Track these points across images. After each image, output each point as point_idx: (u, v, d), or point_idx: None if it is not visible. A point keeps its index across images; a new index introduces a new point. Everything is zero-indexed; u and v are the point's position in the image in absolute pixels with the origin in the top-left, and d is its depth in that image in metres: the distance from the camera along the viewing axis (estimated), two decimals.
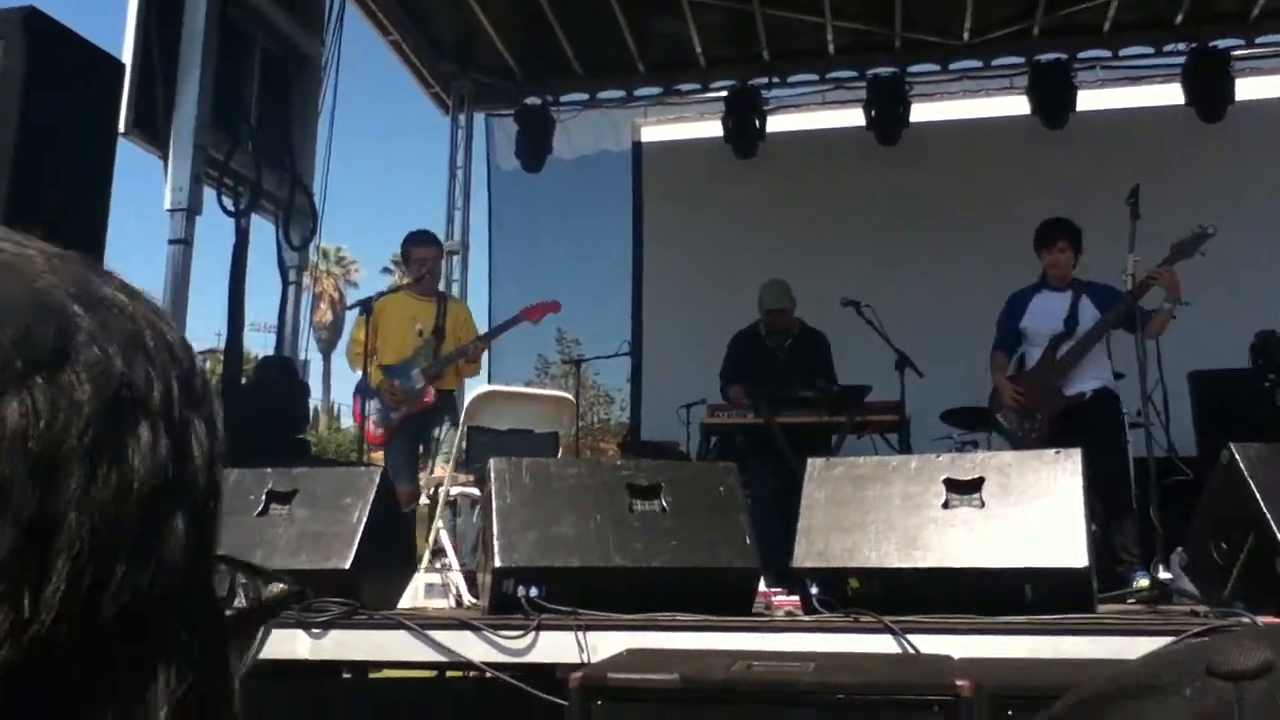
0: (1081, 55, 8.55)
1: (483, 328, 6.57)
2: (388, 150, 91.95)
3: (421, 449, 5.96)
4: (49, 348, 0.42)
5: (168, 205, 5.56)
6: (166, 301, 5.47)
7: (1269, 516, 2.78)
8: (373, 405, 5.86)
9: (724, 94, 8.93)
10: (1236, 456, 2.97)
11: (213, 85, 5.79)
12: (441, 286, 6.74)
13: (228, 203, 6.20)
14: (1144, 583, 3.51)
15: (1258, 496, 2.83)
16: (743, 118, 8.85)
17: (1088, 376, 4.99)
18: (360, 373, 5.88)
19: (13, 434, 0.40)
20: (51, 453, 0.41)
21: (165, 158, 5.61)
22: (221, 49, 5.90)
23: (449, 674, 3.53)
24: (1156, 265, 4.91)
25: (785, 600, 3.48)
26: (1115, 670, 0.52)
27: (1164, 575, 3.58)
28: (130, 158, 5.49)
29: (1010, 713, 2.29)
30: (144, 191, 6.63)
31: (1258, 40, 8.40)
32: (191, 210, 5.58)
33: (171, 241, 5.54)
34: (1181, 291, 4.90)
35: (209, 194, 5.94)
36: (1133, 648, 2.58)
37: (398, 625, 3.03)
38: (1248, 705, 0.46)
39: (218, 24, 5.84)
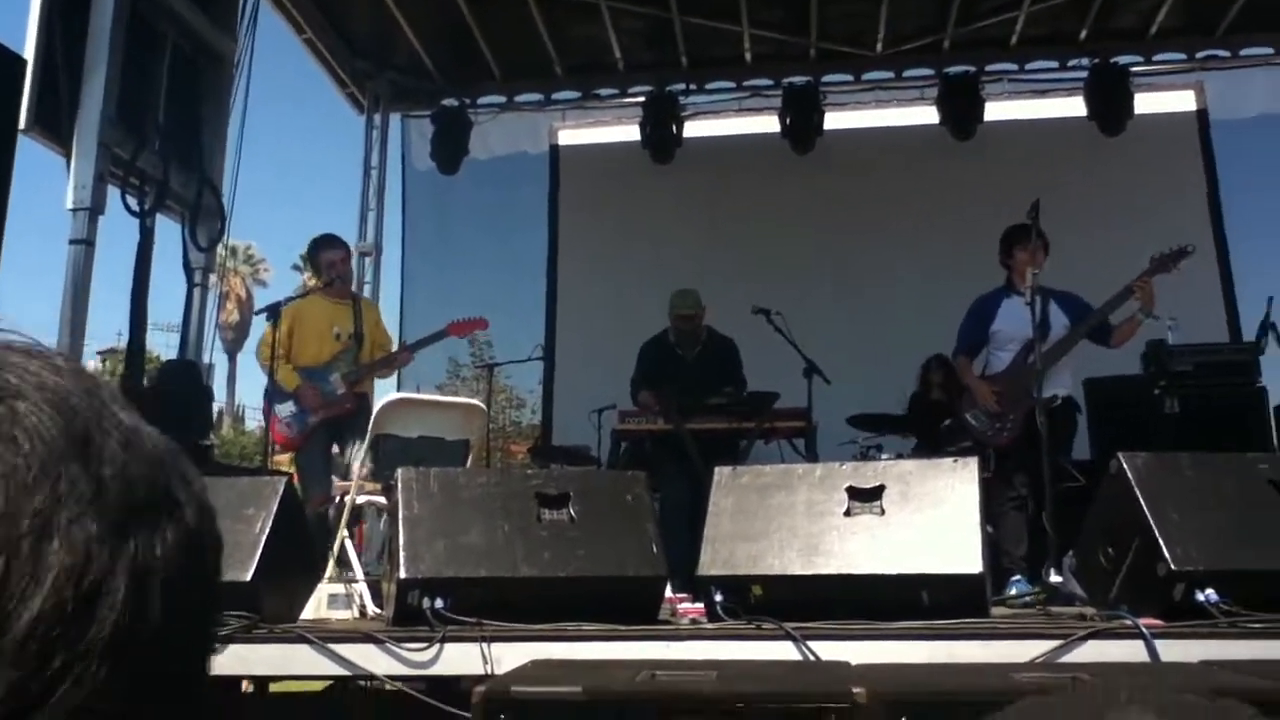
0: (989, 68, 8.76)
1: (394, 328, 6.53)
2: (300, 148, 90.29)
3: (337, 451, 5.90)
4: (162, 493, 0.51)
5: (69, 204, 5.42)
6: (66, 302, 5.33)
7: (1153, 523, 2.89)
8: (284, 409, 5.79)
9: (641, 99, 8.96)
10: (1124, 465, 3.08)
11: (119, 82, 5.64)
12: (353, 288, 6.67)
13: (132, 202, 6.05)
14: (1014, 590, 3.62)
15: (1143, 504, 2.94)
16: (660, 123, 8.88)
17: (1057, 382, 5.15)
18: (268, 376, 5.81)
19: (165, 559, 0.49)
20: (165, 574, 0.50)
21: (68, 156, 5.46)
22: (130, 45, 5.75)
23: (351, 686, 3.50)
24: (1136, 278, 5.08)
25: (690, 608, 3.51)
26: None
27: (1055, 579, 3.69)
28: (31, 155, 5.34)
29: (905, 719, 2.34)
30: (45, 189, 6.46)
31: (1155, 57, 8.70)
32: (94, 209, 5.44)
33: (72, 241, 5.40)
34: (1155, 305, 5.11)
35: (113, 193, 5.80)
36: (1024, 651, 2.67)
37: (299, 639, 3.00)
38: None
39: (126, 20, 5.69)
